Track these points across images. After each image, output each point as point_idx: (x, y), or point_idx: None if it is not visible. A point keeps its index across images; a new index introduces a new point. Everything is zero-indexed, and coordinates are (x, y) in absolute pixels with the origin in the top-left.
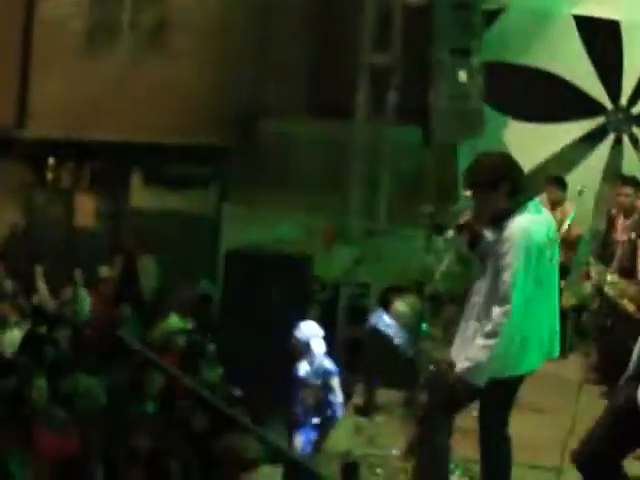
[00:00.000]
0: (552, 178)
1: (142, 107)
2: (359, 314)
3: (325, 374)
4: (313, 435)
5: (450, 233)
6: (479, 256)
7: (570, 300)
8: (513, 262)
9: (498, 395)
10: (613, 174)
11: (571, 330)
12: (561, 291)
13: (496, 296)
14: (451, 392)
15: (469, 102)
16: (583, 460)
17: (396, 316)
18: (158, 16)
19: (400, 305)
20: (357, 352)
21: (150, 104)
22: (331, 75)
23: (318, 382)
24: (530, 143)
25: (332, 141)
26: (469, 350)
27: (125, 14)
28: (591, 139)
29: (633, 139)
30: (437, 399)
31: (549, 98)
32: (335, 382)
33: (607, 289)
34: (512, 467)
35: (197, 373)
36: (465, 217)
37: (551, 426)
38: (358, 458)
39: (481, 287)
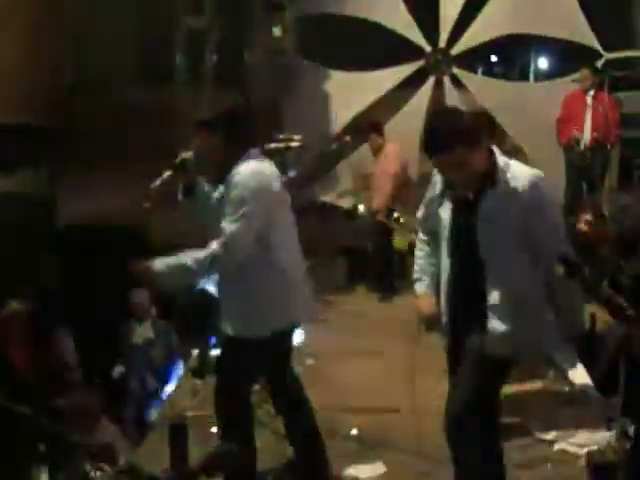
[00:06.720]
0: (369, 125)
1: None
2: None
3: (167, 333)
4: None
5: None
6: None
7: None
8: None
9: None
10: None
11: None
12: None
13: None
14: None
15: (285, 57)
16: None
17: None
18: None
19: None
20: (190, 316)
21: None
22: (155, 42)
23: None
24: (353, 92)
25: (159, 107)
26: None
27: None
28: (412, 83)
29: (454, 79)
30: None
31: (368, 46)
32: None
33: None
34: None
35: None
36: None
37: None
38: (193, 419)
39: None
